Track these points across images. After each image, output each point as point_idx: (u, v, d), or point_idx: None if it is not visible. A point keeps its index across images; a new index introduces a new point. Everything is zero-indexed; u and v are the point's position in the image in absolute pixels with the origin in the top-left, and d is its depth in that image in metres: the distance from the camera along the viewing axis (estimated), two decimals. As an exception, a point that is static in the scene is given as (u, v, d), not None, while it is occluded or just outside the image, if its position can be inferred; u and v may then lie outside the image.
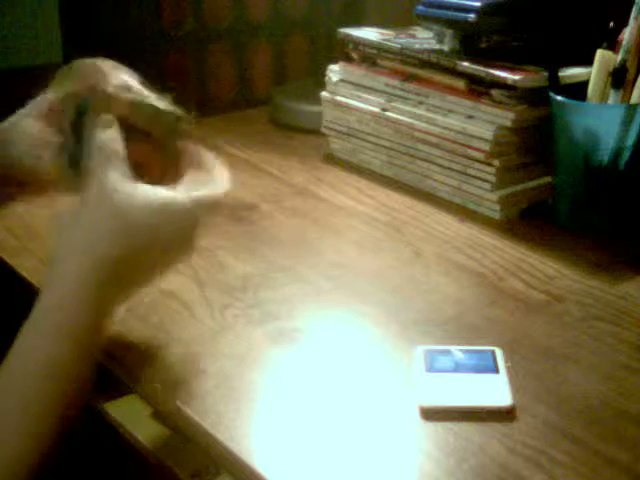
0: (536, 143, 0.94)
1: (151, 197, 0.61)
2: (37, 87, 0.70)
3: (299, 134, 1.19)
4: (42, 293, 0.60)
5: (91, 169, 0.62)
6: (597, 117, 0.87)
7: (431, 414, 0.61)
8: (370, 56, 1.06)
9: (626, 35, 0.85)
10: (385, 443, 0.59)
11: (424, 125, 0.98)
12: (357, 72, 1.07)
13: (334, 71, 1.10)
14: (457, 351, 0.67)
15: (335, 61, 1.10)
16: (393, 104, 1.02)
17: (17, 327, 0.62)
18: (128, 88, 0.67)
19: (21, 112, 0.69)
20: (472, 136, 0.93)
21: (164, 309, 0.76)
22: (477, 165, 0.94)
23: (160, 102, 0.68)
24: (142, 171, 0.64)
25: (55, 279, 0.60)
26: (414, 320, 0.74)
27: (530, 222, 0.93)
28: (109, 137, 0.63)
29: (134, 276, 0.63)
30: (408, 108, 1.00)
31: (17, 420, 0.56)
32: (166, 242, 0.63)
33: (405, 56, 1.01)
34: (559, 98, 0.88)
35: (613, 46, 0.87)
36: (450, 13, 0.95)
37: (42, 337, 0.59)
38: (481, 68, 0.93)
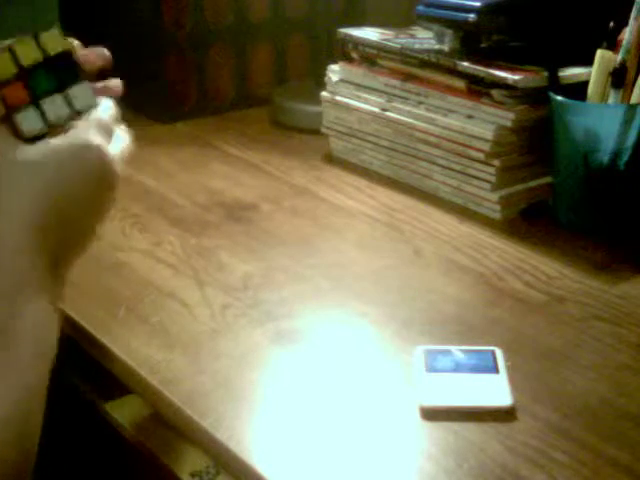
0: (536, 143, 0.94)
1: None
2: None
3: (299, 134, 1.19)
4: None
5: None
6: (597, 117, 0.87)
7: (431, 414, 0.61)
8: (370, 56, 1.06)
9: (626, 35, 0.85)
10: (385, 443, 0.59)
11: (424, 125, 0.98)
12: (357, 72, 1.07)
13: (334, 71, 1.10)
14: (457, 351, 0.67)
15: (335, 61, 1.10)
16: (393, 104, 1.02)
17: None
18: None
19: None
20: (472, 136, 0.93)
21: (164, 309, 0.76)
22: (477, 165, 0.94)
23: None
24: None
25: None
26: (414, 320, 0.74)
27: (530, 222, 0.93)
28: None
29: (68, 211, 0.60)
30: (408, 108, 1.00)
31: None
32: (74, 175, 0.60)
33: (405, 56, 1.01)
34: (559, 98, 0.88)
35: (613, 46, 0.87)
36: (450, 13, 0.95)
37: None
38: (481, 68, 0.93)
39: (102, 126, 0.63)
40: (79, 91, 0.64)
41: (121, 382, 0.71)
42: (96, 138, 0.61)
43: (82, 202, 0.61)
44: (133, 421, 0.82)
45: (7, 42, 0.63)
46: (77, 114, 0.63)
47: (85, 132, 0.61)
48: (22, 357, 0.56)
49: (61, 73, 0.63)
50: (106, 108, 0.65)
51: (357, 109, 1.06)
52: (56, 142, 0.61)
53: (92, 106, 0.64)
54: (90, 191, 0.61)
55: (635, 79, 0.85)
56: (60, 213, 0.59)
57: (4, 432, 0.54)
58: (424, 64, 0.99)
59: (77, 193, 0.60)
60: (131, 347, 0.70)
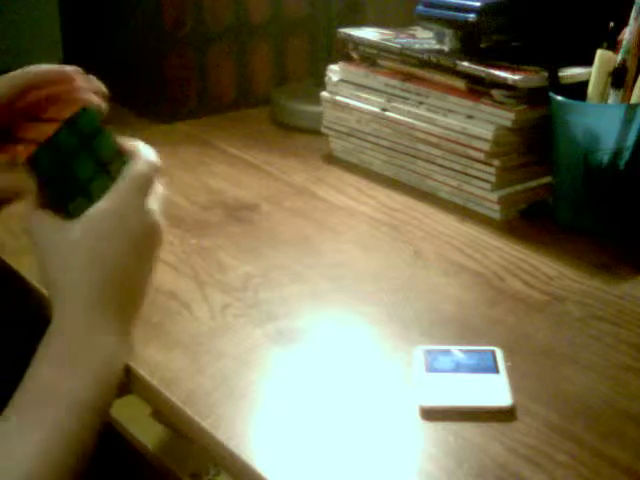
0: (536, 143, 0.94)
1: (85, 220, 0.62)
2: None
3: (299, 134, 1.19)
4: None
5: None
6: (597, 117, 0.87)
7: (431, 414, 0.61)
8: (370, 56, 1.06)
9: (626, 35, 0.85)
10: (385, 443, 0.59)
11: (424, 125, 0.98)
12: (357, 72, 1.07)
13: (334, 71, 1.10)
14: (457, 351, 0.67)
15: (335, 61, 1.10)
16: (393, 104, 1.02)
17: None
18: None
19: None
20: (472, 136, 0.93)
21: (164, 309, 0.76)
22: (477, 165, 0.94)
23: None
24: None
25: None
26: (414, 320, 0.74)
27: (530, 222, 0.93)
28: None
29: (127, 289, 0.63)
30: (408, 108, 1.00)
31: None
32: (125, 241, 0.63)
33: (405, 56, 1.01)
34: (559, 98, 0.88)
35: (613, 46, 0.87)
36: (450, 13, 0.95)
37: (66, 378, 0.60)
38: (481, 68, 0.93)
39: (141, 183, 0.64)
40: (103, 142, 0.65)
41: (121, 382, 0.71)
42: (135, 200, 0.63)
43: (132, 263, 0.63)
44: (133, 421, 0.82)
45: None
46: (105, 165, 0.64)
47: (124, 195, 0.63)
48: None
49: (83, 128, 0.64)
50: (144, 162, 0.65)
51: (357, 109, 1.06)
52: (97, 213, 0.62)
53: (115, 151, 0.64)
54: (137, 251, 0.63)
55: (635, 79, 0.85)
56: (114, 279, 0.62)
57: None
58: (424, 64, 0.99)
59: (125, 256, 0.63)
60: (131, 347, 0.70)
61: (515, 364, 0.66)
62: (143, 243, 0.64)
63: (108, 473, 0.90)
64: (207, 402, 0.63)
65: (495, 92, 0.92)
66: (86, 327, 0.60)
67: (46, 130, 0.63)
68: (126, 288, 0.63)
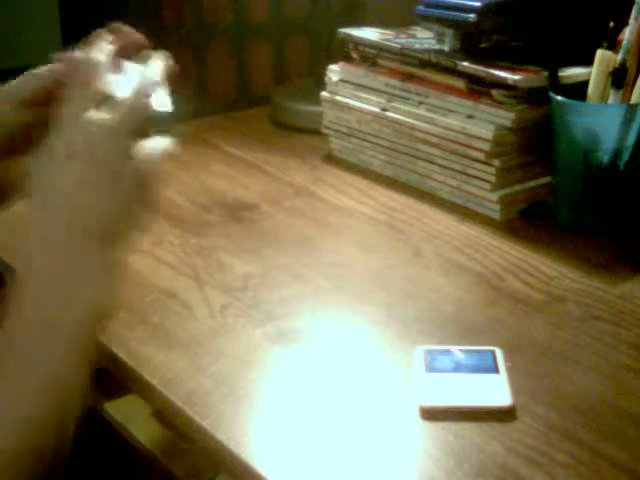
0: (536, 143, 0.94)
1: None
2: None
3: (299, 134, 1.19)
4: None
5: None
6: (597, 117, 0.87)
7: (431, 414, 0.61)
8: (370, 56, 1.06)
9: (626, 35, 0.85)
10: (385, 443, 0.59)
11: (424, 125, 0.98)
12: (357, 72, 1.07)
13: (334, 71, 1.10)
14: (457, 351, 0.67)
15: (335, 61, 1.10)
16: (393, 104, 1.02)
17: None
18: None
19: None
20: (472, 136, 0.93)
21: (164, 309, 0.76)
22: (477, 165, 0.94)
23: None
24: None
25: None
26: (414, 320, 0.74)
27: (530, 222, 0.93)
28: None
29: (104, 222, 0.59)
30: (408, 108, 1.00)
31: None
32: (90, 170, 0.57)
33: (405, 56, 1.01)
34: (559, 98, 0.88)
35: (613, 46, 0.87)
36: (450, 13, 0.95)
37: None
38: (481, 68, 0.93)
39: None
40: None
41: (121, 382, 0.71)
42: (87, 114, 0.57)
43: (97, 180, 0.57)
44: (133, 421, 0.82)
45: None
46: None
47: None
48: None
49: None
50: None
51: (357, 109, 1.06)
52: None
53: None
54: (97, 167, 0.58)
55: (635, 79, 0.85)
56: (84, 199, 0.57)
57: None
58: (424, 64, 0.99)
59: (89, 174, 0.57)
60: (131, 347, 0.70)
61: (515, 364, 0.66)
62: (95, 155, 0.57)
63: (108, 473, 0.90)
64: (207, 402, 0.63)
65: (495, 92, 0.92)
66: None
67: None
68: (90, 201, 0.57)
